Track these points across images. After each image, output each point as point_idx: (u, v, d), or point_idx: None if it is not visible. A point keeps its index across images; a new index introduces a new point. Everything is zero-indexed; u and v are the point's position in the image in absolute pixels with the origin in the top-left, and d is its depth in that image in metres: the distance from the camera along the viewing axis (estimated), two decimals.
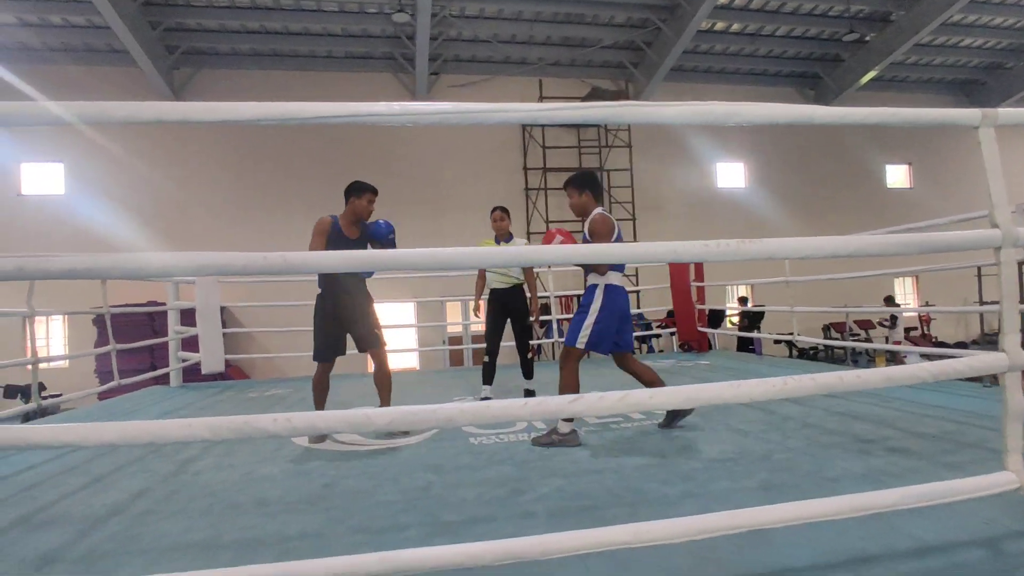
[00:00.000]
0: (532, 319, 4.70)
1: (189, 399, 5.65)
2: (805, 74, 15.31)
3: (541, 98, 13.15)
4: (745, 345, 11.69)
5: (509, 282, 4.58)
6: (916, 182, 16.57)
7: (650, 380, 3.41)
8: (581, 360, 3.48)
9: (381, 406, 3.61)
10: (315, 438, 3.52)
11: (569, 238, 3.41)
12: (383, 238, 3.61)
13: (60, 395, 10.37)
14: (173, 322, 6.64)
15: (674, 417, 3.56)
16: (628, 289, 3.68)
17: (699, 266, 7.86)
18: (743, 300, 13.94)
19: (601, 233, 3.29)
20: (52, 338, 12.33)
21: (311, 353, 3.72)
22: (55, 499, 2.61)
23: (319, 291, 3.63)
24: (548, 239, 3.43)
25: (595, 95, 12.44)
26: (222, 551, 1.96)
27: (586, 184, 3.46)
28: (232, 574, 1.19)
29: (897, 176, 16.84)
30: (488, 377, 4.60)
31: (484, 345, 4.66)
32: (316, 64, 12.80)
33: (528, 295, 4.68)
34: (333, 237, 3.46)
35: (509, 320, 4.65)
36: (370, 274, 3.73)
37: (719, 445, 3.08)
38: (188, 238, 11.85)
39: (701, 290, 7.85)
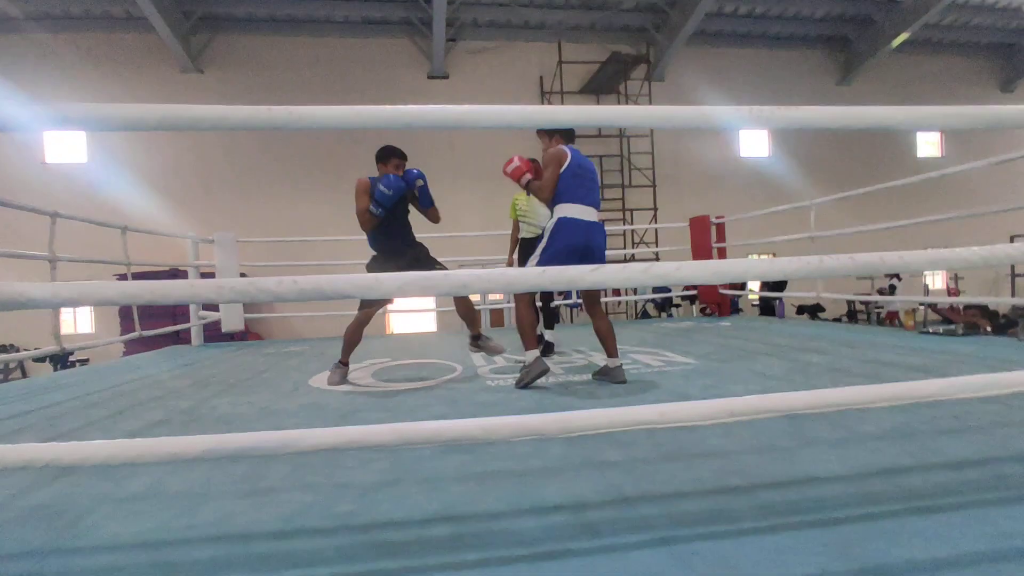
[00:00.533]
0: None
1: (209, 354, 5.69)
2: (834, 37, 14.81)
3: (560, 63, 12.88)
4: (768, 312, 11.51)
5: (536, 232, 4.60)
6: (948, 151, 16.06)
7: (604, 334, 3.26)
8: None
9: (474, 332, 3.72)
10: (336, 379, 3.54)
11: (526, 163, 3.35)
12: (412, 181, 3.53)
13: (88, 360, 10.64)
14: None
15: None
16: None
17: (720, 227, 7.69)
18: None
19: (549, 162, 3.22)
20: (79, 311, 12.56)
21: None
22: (77, 427, 2.63)
23: (372, 250, 3.60)
24: (509, 162, 3.37)
25: (615, 60, 12.13)
26: (236, 465, 1.95)
27: (554, 129, 3.39)
28: (241, 439, 1.15)
29: (928, 145, 16.32)
30: (549, 321, 4.77)
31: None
32: (332, 30, 12.67)
33: None
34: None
35: None
36: (430, 203, 3.64)
37: (742, 385, 3.00)
38: (208, 207, 11.95)
39: (722, 251, 7.69)
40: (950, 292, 15.12)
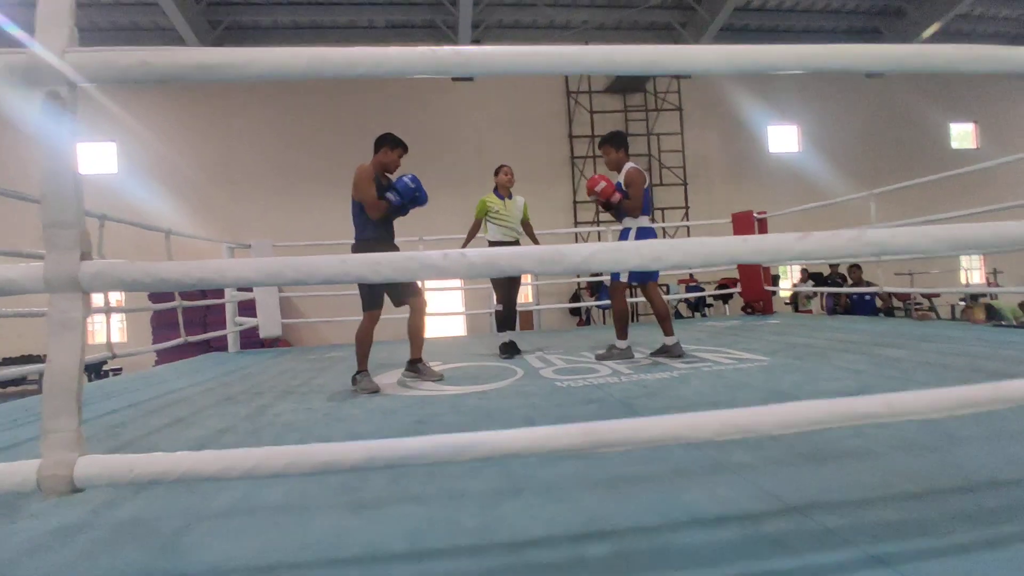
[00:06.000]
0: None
1: (249, 362, 5.57)
2: (864, 30, 14.42)
3: None
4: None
5: (512, 236, 4.70)
6: (983, 142, 15.62)
7: (663, 313, 3.93)
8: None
9: (412, 358, 3.69)
10: (369, 387, 3.34)
11: (609, 181, 3.89)
12: (410, 195, 3.50)
13: (120, 369, 10.61)
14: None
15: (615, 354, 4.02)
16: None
17: (763, 222, 7.46)
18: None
19: (637, 183, 3.84)
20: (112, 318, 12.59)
21: (360, 318, 3.66)
22: (140, 435, 2.49)
23: (368, 236, 3.50)
24: (594, 182, 3.88)
25: None
26: (327, 475, 1.79)
27: (622, 143, 3.98)
28: (356, 448, 0.99)
29: (962, 136, 15.88)
30: (504, 325, 4.88)
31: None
32: (357, 36, 12.54)
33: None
34: (376, 183, 3.46)
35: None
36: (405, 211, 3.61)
37: (836, 382, 2.79)
38: (232, 213, 11.93)
39: None
40: (989, 285, 14.65)
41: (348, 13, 12.02)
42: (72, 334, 0.79)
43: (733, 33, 13.56)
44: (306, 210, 12.32)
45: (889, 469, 1.53)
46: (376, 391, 3.31)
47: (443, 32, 12.30)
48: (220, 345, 7.06)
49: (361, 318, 3.54)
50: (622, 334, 3.95)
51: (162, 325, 10.95)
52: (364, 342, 3.51)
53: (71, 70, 0.82)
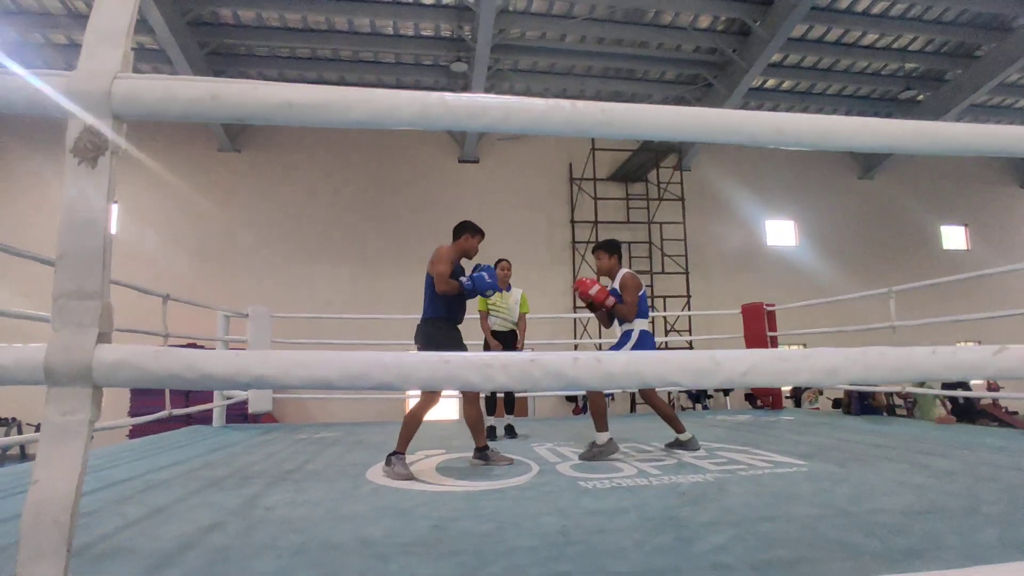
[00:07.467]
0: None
1: (235, 439, 5.21)
2: (898, 98, 14.05)
3: (592, 150, 13.05)
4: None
5: (508, 326, 5.18)
6: (973, 244, 15.95)
7: (669, 415, 3.93)
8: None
9: (478, 447, 3.62)
10: (402, 473, 3.17)
11: (602, 286, 3.89)
12: (484, 288, 3.65)
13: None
14: None
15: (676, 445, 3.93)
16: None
17: (772, 315, 7.35)
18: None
19: (632, 287, 3.89)
20: None
21: (344, 397, 3.63)
22: (114, 528, 2.17)
23: (440, 315, 3.59)
24: (587, 286, 3.82)
25: (646, 148, 12.26)
26: None
27: (615, 250, 4.08)
28: None
29: (953, 238, 16.24)
30: (491, 408, 5.14)
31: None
32: (360, 70, 12.12)
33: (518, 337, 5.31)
34: (455, 264, 3.68)
35: None
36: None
37: (897, 497, 2.53)
38: (241, 276, 11.79)
39: (775, 340, 7.30)
40: (990, 387, 14.45)
41: (354, 44, 11.25)
42: (72, 446, 0.57)
43: (763, 93, 13.33)
44: (306, 282, 12.17)
45: None
46: (410, 478, 3.14)
47: (453, 73, 11.76)
48: (202, 417, 6.66)
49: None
50: (602, 426, 3.71)
51: (140, 394, 10.48)
52: (413, 423, 3.39)
53: (121, 101, 0.64)
